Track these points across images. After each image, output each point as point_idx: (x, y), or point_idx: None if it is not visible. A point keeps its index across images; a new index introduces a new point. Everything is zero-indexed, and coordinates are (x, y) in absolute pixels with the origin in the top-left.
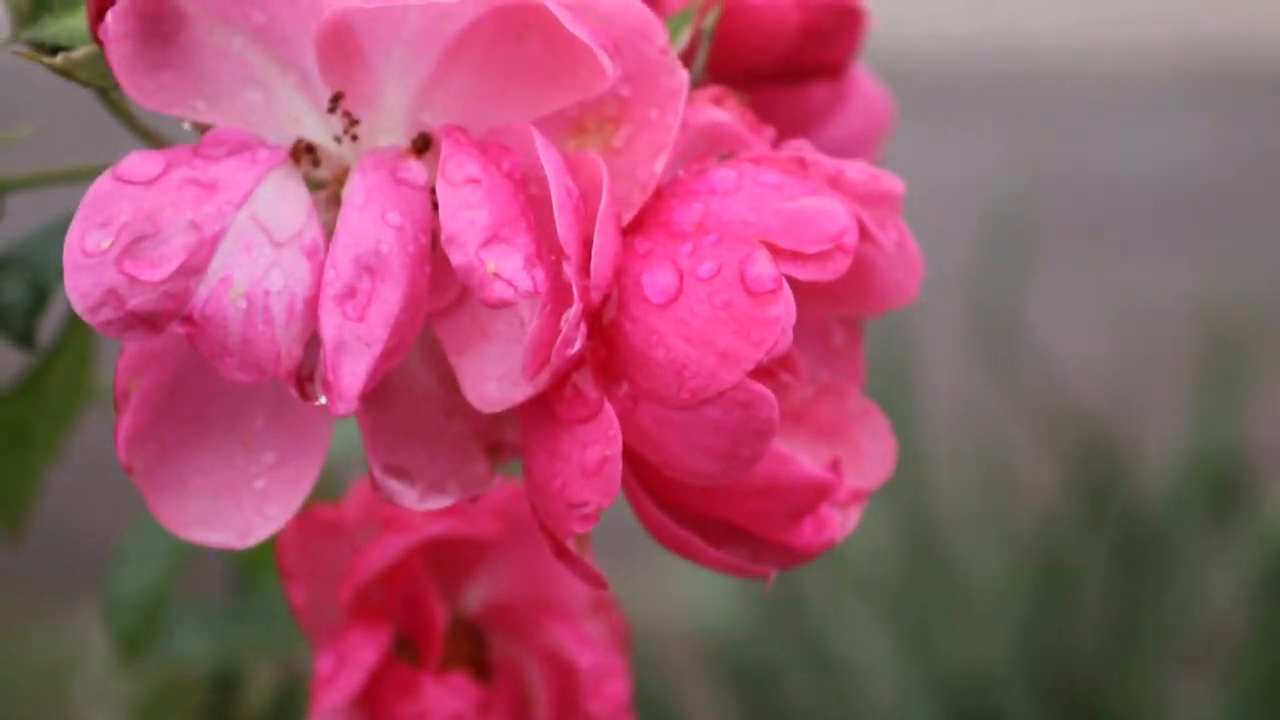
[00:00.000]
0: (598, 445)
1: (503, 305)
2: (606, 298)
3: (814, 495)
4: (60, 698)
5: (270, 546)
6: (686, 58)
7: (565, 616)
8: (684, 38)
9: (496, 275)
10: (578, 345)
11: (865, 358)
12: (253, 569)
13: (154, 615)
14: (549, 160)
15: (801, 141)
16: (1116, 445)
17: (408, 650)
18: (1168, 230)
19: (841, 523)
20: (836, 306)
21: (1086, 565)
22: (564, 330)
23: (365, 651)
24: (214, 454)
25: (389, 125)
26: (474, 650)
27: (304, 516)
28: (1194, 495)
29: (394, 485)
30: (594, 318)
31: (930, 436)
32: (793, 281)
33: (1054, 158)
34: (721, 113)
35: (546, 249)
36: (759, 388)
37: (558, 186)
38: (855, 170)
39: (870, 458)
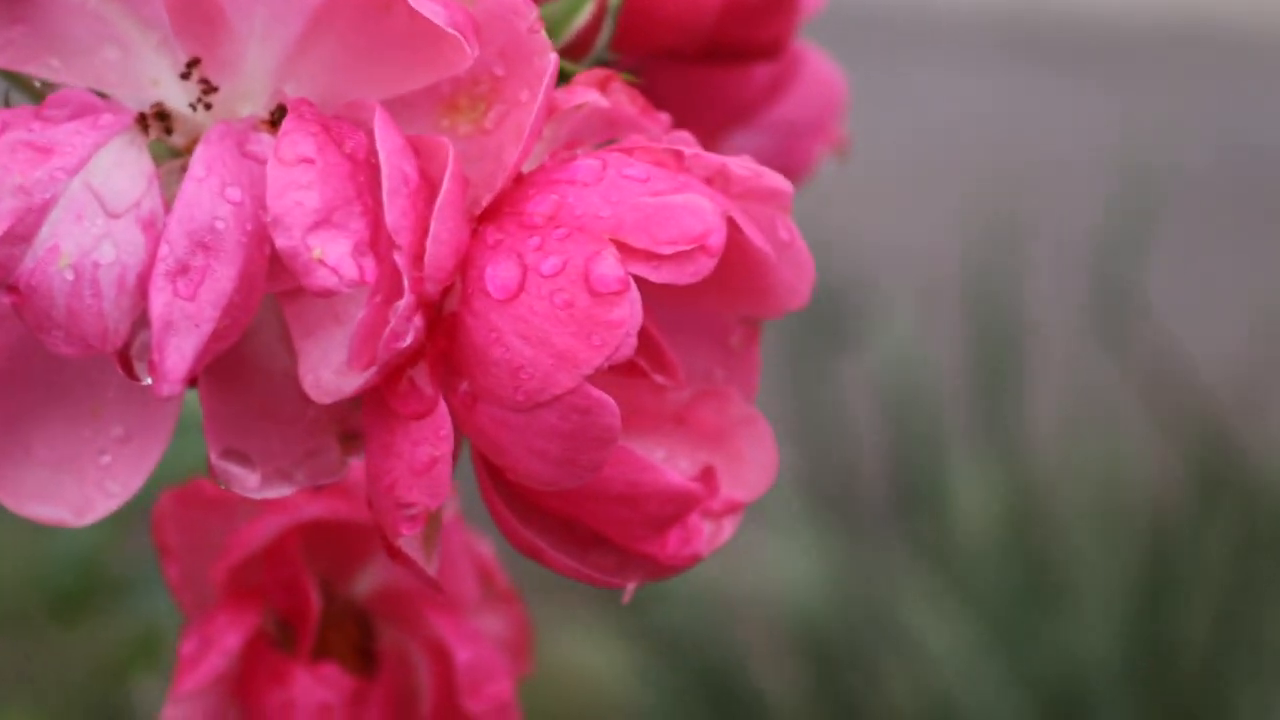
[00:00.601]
0: (428, 444)
1: (327, 294)
2: (449, 289)
3: (677, 506)
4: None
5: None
6: (588, 35)
7: (451, 608)
8: (585, 14)
9: (321, 261)
10: (409, 339)
11: (771, 357)
12: None
13: (91, 576)
14: (384, 143)
15: (684, 134)
16: (1239, 440)
17: (287, 633)
18: None
19: (712, 535)
20: (730, 305)
21: (1199, 564)
22: (392, 322)
23: (230, 636)
24: (62, 423)
25: (251, 93)
26: (362, 639)
27: (185, 491)
28: None
29: (232, 470)
30: (432, 310)
31: (1039, 415)
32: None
33: (1216, 124)
34: (598, 96)
35: (386, 239)
36: (598, 394)
37: (391, 171)
38: (739, 166)
39: (751, 467)
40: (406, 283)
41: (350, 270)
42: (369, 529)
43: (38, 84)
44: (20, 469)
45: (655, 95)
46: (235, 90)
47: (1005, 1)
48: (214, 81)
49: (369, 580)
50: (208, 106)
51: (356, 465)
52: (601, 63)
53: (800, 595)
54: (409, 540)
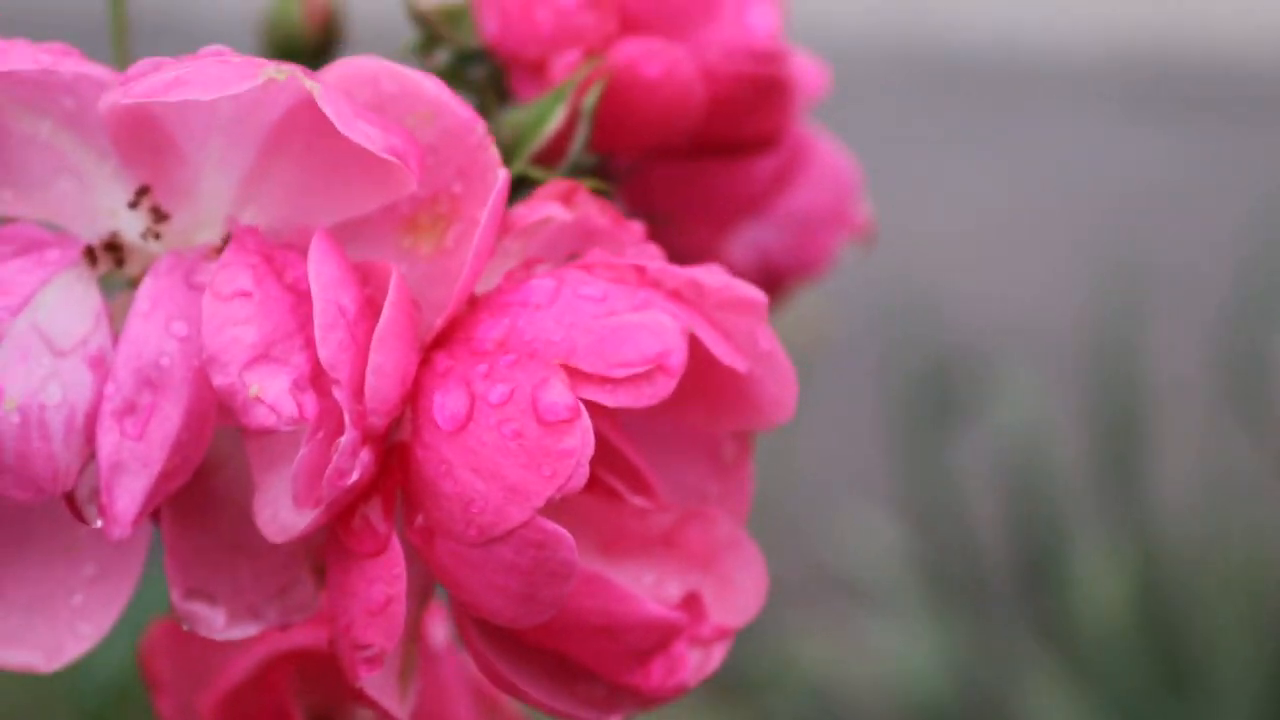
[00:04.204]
0: (382, 583)
1: (266, 432)
2: (398, 419)
3: (659, 636)
4: None
5: None
6: (561, 140)
7: None
8: (557, 118)
9: (259, 399)
10: (355, 475)
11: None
12: None
13: (122, 700)
14: (318, 276)
15: (651, 248)
16: None
17: None
18: None
19: (700, 663)
20: (715, 421)
21: None
22: (335, 459)
23: None
24: (35, 564)
25: (207, 221)
26: None
27: (171, 624)
28: None
29: (197, 610)
30: (381, 443)
31: (1169, 487)
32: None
33: None
34: (561, 209)
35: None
36: (553, 527)
37: (325, 306)
38: (711, 278)
39: (740, 591)
40: (348, 418)
41: (289, 408)
42: None
43: None
44: None
45: (656, 192)
46: (190, 218)
47: (1127, 51)
48: (166, 209)
49: (366, 714)
50: (157, 236)
51: None
52: (583, 166)
53: (919, 682)
54: (373, 681)
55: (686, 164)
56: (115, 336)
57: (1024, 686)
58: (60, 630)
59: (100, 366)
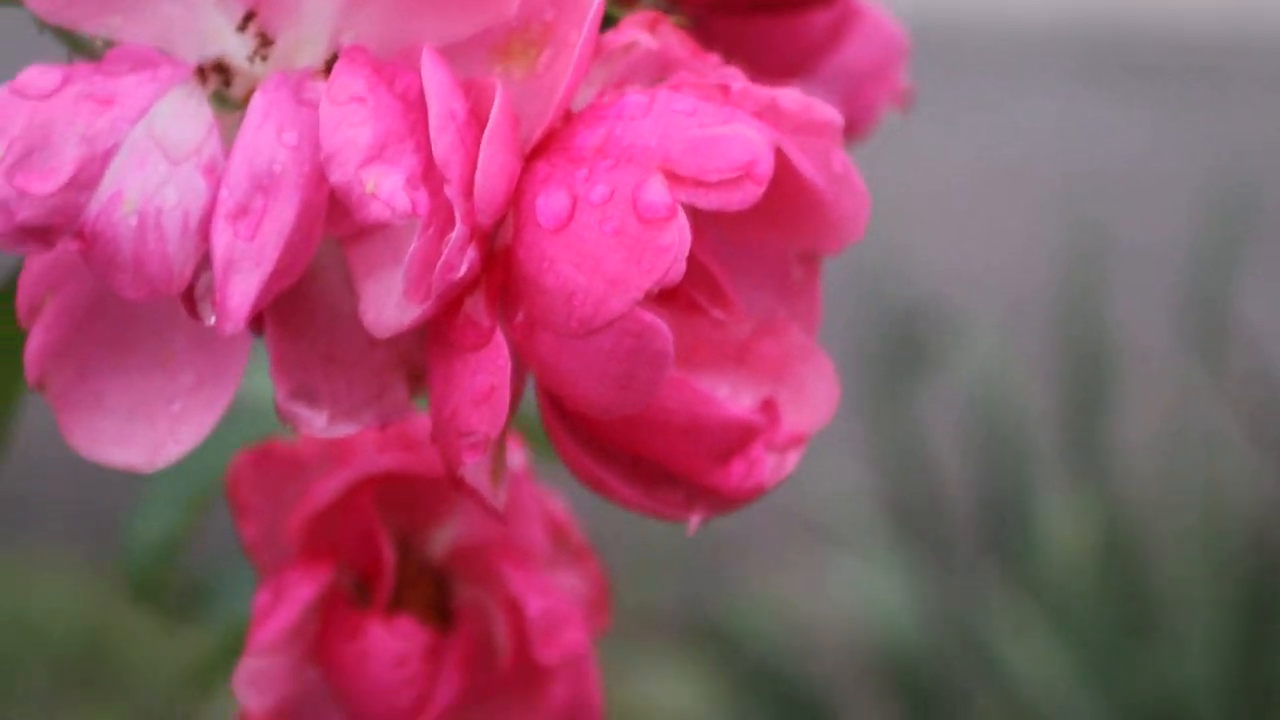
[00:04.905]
0: (486, 373)
1: (380, 225)
2: (501, 223)
3: (739, 436)
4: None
5: None
6: None
7: (523, 561)
8: None
9: (374, 195)
10: (463, 270)
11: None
12: None
13: (168, 560)
14: (430, 80)
15: (732, 70)
16: None
17: (365, 593)
18: None
19: (776, 467)
20: (787, 240)
21: None
22: (445, 254)
23: (303, 587)
24: (133, 373)
25: (307, 44)
26: (438, 597)
27: (259, 451)
28: None
29: (300, 410)
30: (486, 243)
31: (1131, 437)
32: (734, 213)
33: None
34: (647, 36)
35: (439, 172)
36: (650, 318)
37: (438, 107)
38: (789, 100)
39: (813, 399)
40: (458, 214)
41: (403, 202)
42: (442, 484)
43: (99, 43)
44: (94, 418)
45: (715, 46)
46: (292, 42)
47: (1083, 19)
48: (270, 34)
49: (444, 538)
50: (264, 59)
51: (428, 419)
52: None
53: (887, 624)
54: (472, 468)
55: (742, 20)
56: (226, 149)
57: (991, 628)
58: (160, 434)
59: (213, 174)
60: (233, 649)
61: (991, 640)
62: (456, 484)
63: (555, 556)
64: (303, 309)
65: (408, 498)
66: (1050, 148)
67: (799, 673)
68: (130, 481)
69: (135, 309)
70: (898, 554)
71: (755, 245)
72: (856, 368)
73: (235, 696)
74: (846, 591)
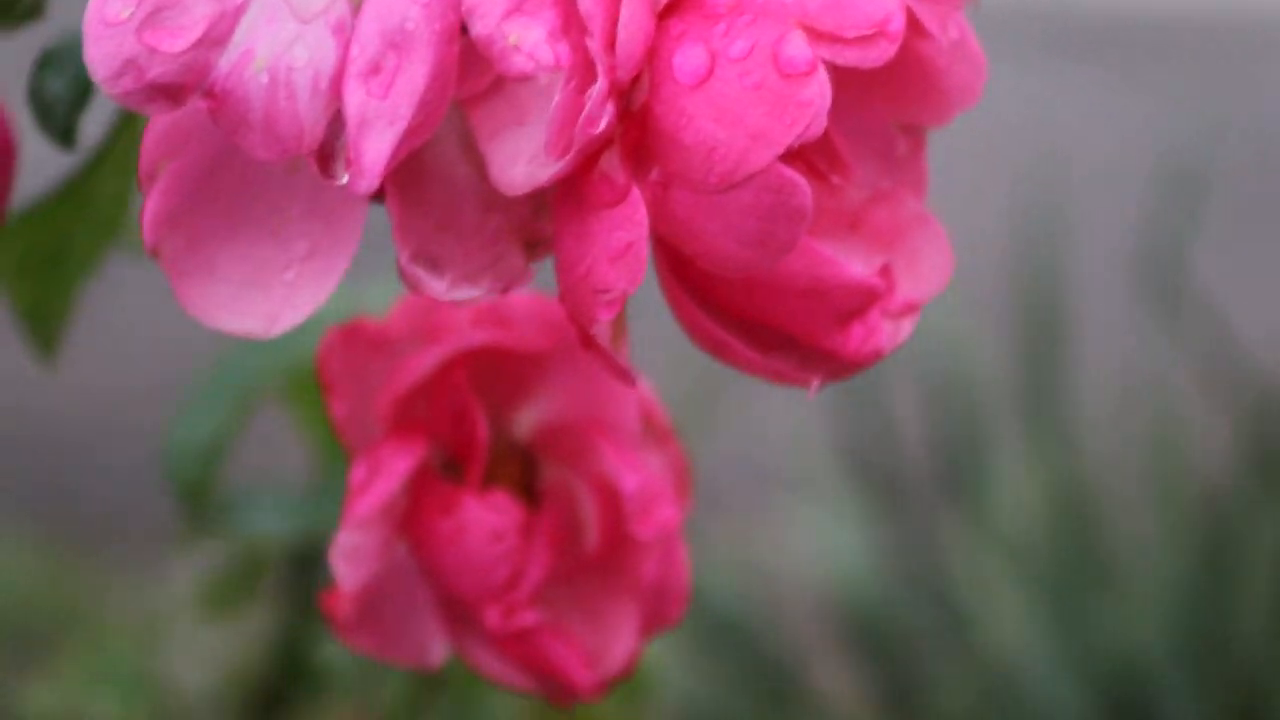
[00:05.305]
0: (624, 230)
1: (524, 78)
2: (636, 79)
3: (860, 299)
4: (153, 652)
5: None
6: None
7: (615, 440)
8: None
9: (517, 48)
10: (603, 124)
11: (927, 173)
12: (334, 451)
13: (213, 463)
14: None
15: None
16: None
17: (454, 473)
18: None
19: (892, 333)
20: (897, 108)
21: (1258, 543)
22: (588, 107)
23: (399, 460)
24: (246, 242)
25: None
26: (525, 476)
27: (347, 329)
28: None
29: (421, 273)
30: (623, 99)
31: (1088, 394)
32: (847, 77)
33: (1263, 109)
34: None
35: (577, 27)
36: (790, 173)
37: None
38: None
39: (926, 267)
40: (600, 68)
41: (546, 55)
42: (532, 360)
43: None
44: (208, 285)
45: None
46: None
47: None
48: None
49: (531, 417)
50: None
51: (520, 294)
52: None
53: (846, 574)
54: (601, 329)
55: None
56: (351, 9)
57: (949, 578)
58: (276, 302)
59: (342, 33)
60: (249, 570)
61: (950, 590)
62: (585, 342)
63: (643, 439)
64: (419, 176)
65: (497, 376)
66: (1009, 117)
67: (760, 623)
68: (84, 452)
69: (249, 179)
70: (857, 505)
71: (861, 118)
72: None
73: (332, 567)
74: (806, 543)
